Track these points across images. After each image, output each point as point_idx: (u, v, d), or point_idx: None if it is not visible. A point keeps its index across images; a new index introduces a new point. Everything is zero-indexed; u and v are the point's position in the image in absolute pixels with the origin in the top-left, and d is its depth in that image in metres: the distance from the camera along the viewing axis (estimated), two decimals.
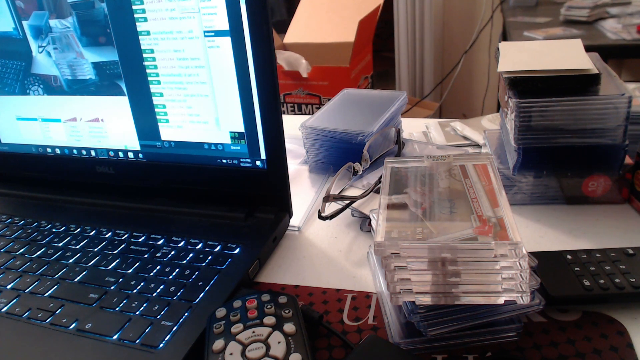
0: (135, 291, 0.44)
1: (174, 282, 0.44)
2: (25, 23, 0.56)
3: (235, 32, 0.47)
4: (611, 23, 1.53)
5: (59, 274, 0.47)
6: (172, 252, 0.49)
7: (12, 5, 0.56)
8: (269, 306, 0.37)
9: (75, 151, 0.61)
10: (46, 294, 0.45)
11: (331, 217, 0.51)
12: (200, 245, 0.49)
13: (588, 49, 0.52)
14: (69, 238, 0.53)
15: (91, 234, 0.53)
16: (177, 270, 0.46)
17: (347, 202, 0.53)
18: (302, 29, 1.99)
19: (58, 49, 0.56)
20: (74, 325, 0.41)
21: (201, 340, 0.37)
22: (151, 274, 0.46)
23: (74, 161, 0.61)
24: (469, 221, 0.36)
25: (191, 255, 0.48)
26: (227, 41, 0.48)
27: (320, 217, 0.51)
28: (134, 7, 0.50)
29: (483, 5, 2.17)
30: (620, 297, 0.38)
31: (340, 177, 0.55)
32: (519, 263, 0.33)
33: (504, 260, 0.33)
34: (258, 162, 0.52)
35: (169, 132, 0.55)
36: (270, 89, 0.48)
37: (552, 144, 0.49)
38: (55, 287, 0.45)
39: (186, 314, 0.40)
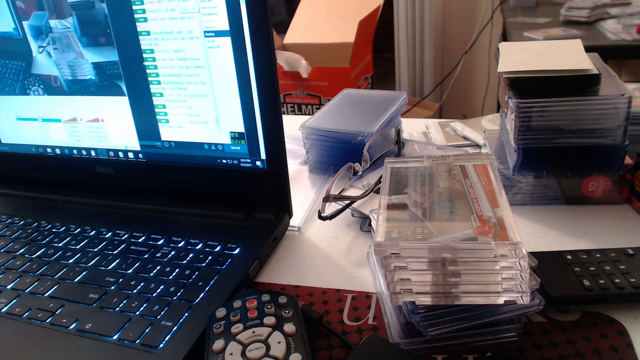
0: (135, 291, 0.44)
1: (174, 282, 0.44)
2: (25, 23, 0.56)
3: (235, 32, 0.47)
4: (611, 23, 1.53)
5: (59, 274, 0.47)
6: (172, 252, 0.49)
7: (12, 6, 0.56)
8: (269, 306, 0.37)
9: (75, 151, 0.61)
10: (46, 294, 0.45)
11: (331, 217, 0.51)
12: (200, 246, 0.49)
13: (588, 49, 0.52)
14: (69, 238, 0.53)
15: (91, 234, 0.53)
16: (177, 270, 0.46)
17: (347, 202, 0.53)
18: (302, 29, 1.99)
19: (58, 49, 0.56)
20: (74, 325, 0.41)
21: (201, 340, 0.37)
22: (151, 274, 0.46)
23: (74, 161, 0.61)
24: (469, 221, 0.36)
25: (191, 255, 0.48)
26: (227, 41, 0.48)
27: (320, 217, 0.51)
28: (134, 7, 0.50)
29: (483, 5, 2.17)
30: (620, 297, 0.38)
31: (340, 177, 0.55)
32: (519, 263, 0.33)
33: (504, 261, 0.33)
34: (258, 162, 0.52)
35: (169, 132, 0.55)
36: (270, 89, 0.48)
37: (552, 144, 0.49)
38: (55, 287, 0.45)
39: (186, 314, 0.40)
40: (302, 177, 0.66)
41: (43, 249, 0.52)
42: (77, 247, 0.51)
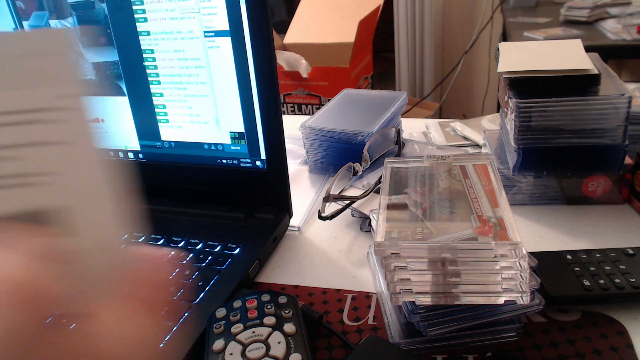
0: None
1: (174, 282, 0.44)
2: (25, 23, 0.56)
3: (235, 32, 0.47)
4: (611, 23, 1.53)
5: None
6: (172, 253, 0.49)
7: (12, 6, 0.56)
8: (269, 306, 0.37)
9: None
10: None
11: (331, 217, 0.51)
12: (200, 246, 0.49)
13: (588, 49, 0.52)
14: None
15: None
16: (177, 270, 0.46)
17: (347, 202, 0.53)
18: (302, 29, 1.99)
19: None
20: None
21: (201, 340, 0.37)
22: None
23: None
24: (469, 221, 0.36)
25: (191, 255, 0.48)
26: (227, 41, 0.48)
27: (320, 217, 0.51)
28: (134, 7, 0.50)
29: (483, 5, 2.17)
30: (620, 297, 0.38)
31: (340, 177, 0.55)
32: (519, 263, 0.33)
33: (504, 261, 0.33)
34: (258, 162, 0.52)
35: (169, 133, 0.55)
36: (270, 89, 0.48)
37: (552, 144, 0.49)
38: None
39: (186, 314, 0.40)
40: (302, 177, 0.66)
41: None
42: None
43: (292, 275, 0.48)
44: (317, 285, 0.46)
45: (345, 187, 0.60)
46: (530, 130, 0.48)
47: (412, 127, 0.77)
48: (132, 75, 0.53)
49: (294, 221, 0.55)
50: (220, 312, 0.38)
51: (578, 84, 0.48)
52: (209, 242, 0.50)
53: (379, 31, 2.17)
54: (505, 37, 1.73)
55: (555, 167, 0.51)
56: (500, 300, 0.34)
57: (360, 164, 0.58)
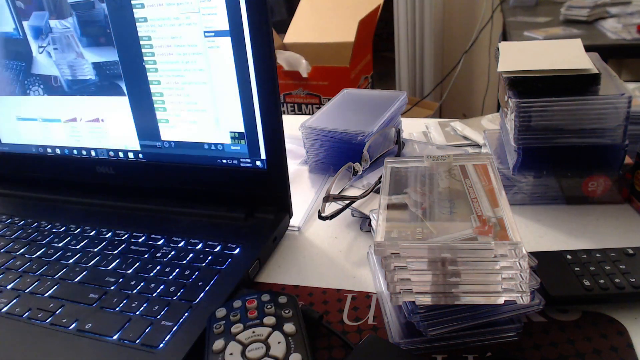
0: (135, 291, 0.44)
1: (174, 282, 0.44)
2: (25, 23, 0.56)
3: (235, 32, 0.47)
4: (611, 23, 1.53)
5: (59, 274, 0.47)
6: (172, 252, 0.49)
7: (12, 6, 0.56)
8: (269, 306, 0.37)
9: (75, 151, 0.61)
10: (46, 294, 0.45)
11: (331, 217, 0.51)
12: (200, 246, 0.49)
13: (588, 48, 0.52)
14: (69, 238, 0.53)
15: (91, 234, 0.53)
16: (177, 270, 0.46)
17: (347, 202, 0.53)
18: (302, 29, 1.99)
19: (58, 49, 0.56)
20: (74, 325, 0.41)
21: (201, 340, 0.37)
22: (151, 274, 0.46)
23: (74, 161, 0.61)
24: (469, 221, 0.36)
25: (191, 255, 0.48)
26: (227, 41, 0.48)
27: (320, 217, 0.51)
28: (134, 8, 0.50)
29: (483, 5, 2.17)
30: (620, 297, 0.38)
31: (340, 177, 0.55)
32: (519, 263, 0.33)
33: (504, 260, 0.33)
34: (258, 162, 0.52)
35: (169, 132, 0.55)
36: (270, 89, 0.48)
37: (552, 144, 0.49)
38: (56, 287, 0.45)
39: (186, 314, 0.40)
40: (302, 177, 0.66)
41: (43, 249, 0.52)
42: (77, 247, 0.51)
43: (292, 275, 0.48)
44: (317, 285, 0.46)
45: (345, 187, 0.60)
46: (530, 130, 0.48)
47: (412, 127, 0.77)
48: (132, 75, 0.53)
49: (294, 221, 0.55)
50: (220, 312, 0.38)
51: (578, 84, 0.48)
52: (209, 242, 0.50)
53: (379, 31, 2.17)
54: (505, 37, 1.73)
55: (555, 167, 0.51)
56: (500, 300, 0.34)
57: (360, 164, 0.58)
